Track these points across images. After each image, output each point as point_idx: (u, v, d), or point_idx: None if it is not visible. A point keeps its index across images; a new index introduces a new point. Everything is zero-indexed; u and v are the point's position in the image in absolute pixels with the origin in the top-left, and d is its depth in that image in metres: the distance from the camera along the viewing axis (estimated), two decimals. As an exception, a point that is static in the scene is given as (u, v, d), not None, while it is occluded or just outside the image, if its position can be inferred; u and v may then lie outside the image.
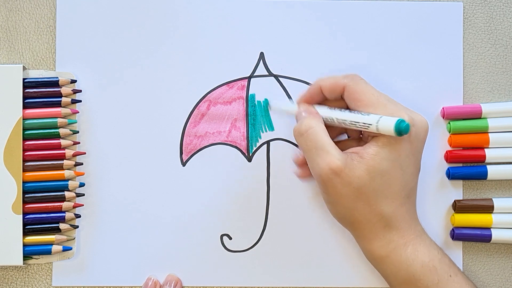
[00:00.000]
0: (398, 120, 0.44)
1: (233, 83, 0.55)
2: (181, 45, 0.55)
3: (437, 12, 0.55)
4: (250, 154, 0.55)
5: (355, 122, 0.47)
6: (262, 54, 0.55)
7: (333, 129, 0.51)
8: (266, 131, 0.55)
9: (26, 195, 0.53)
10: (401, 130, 0.44)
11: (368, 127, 0.46)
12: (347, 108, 0.49)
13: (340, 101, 0.50)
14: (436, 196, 0.54)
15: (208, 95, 0.55)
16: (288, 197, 0.54)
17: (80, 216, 0.54)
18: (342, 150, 0.48)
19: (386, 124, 0.45)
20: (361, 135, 0.51)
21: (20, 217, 0.52)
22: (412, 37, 0.55)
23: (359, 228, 0.48)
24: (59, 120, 0.53)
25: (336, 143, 0.50)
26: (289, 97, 0.55)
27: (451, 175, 0.54)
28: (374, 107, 0.47)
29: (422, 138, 0.48)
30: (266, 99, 0.54)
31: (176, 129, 0.55)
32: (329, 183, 0.47)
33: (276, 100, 0.54)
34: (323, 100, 0.51)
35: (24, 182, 0.53)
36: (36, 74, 0.54)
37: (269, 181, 0.55)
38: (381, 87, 0.53)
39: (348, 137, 0.53)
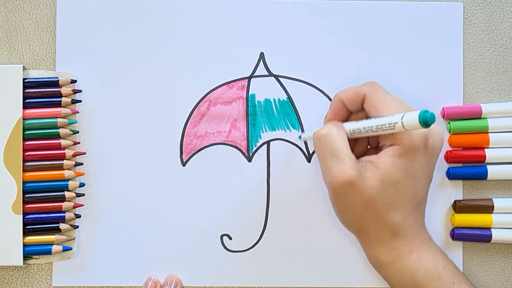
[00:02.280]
0: (422, 111, 0.43)
1: (233, 83, 0.55)
2: (181, 45, 0.55)
3: (437, 12, 0.55)
4: (250, 154, 0.55)
5: (381, 125, 0.46)
6: (262, 54, 0.55)
7: (361, 145, 0.51)
8: (266, 131, 0.55)
9: (26, 195, 0.53)
10: (427, 119, 0.43)
11: (394, 126, 0.45)
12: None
13: (362, 112, 0.50)
14: (436, 196, 0.54)
15: (208, 95, 0.55)
16: (288, 197, 0.54)
17: (80, 216, 0.54)
18: (358, 157, 0.48)
19: (411, 117, 0.44)
20: (379, 145, 0.51)
21: (20, 217, 0.52)
22: (412, 37, 0.55)
23: (366, 234, 0.48)
24: (59, 120, 0.53)
25: (358, 155, 0.50)
26: (289, 97, 0.55)
27: (451, 175, 0.54)
28: (395, 113, 0.46)
29: (437, 149, 0.48)
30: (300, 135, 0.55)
31: (176, 129, 0.55)
32: (340, 191, 0.46)
33: (305, 132, 0.54)
34: (348, 116, 0.51)
35: (24, 182, 0.53)
36: (36, 74, 0.54)
37: (269, 181, 0.55)
38: (381, 87, 0.53)
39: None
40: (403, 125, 0.44)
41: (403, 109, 0.46)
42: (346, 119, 0.51)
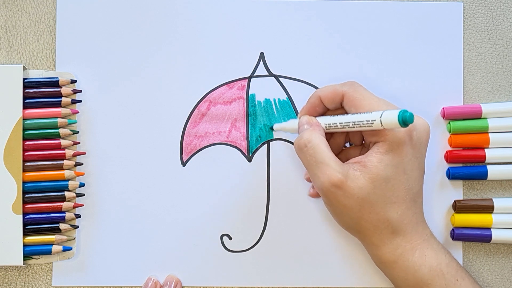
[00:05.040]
0: (401, 110, 0.43)
1: (233, 83, 0.55)
2: (181, 45, 0.55)
3: (437, 12, 0.55)
4: (250, 154, 0.55)
5: (358, 121, 0.46)
6: (262, 54, 0.55)
7: (337, 140, 0.51)
8: (266, 131, 0.55)
9: (26, 195, 0.53)
10: (406, 119, 0.43)
11: (372, 124, 0.45)
12: None
13: (340, 109, 0.50)
14: (436, 196, 0.54)
15: (208, 95, 0.55)
16: (288, 197, 0.54)
17: (80, 216, 0.54)
18: (345, 159, 0.48)
19: (390, 116, 0.44)
20: (363, 142, 0.51)
21: (20, 217, 0.52)
22: (412, 37, 0.55)
23: (367, 235, 0.48)
24: (59, 120, 0.53)
25: (339, 152, 0.50)
26: (289, 97, 0.55)
27: (451, 175, 0.54)
28: (374, 111, 0.47)
29: (424, 141, 0.48)
30: (270, 126, 0.55)
31: (176, 129, 0.55)
32: (331, 196, 0.47)
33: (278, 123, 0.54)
34: (324, 112, 0.51)
35: (24, 182, 0.53)
36: (36, 74, 0.54)
37: (269, 181, 0.55)
38: (381, 87, 0.53)
39: (351, 145, 0.52)
40: (381, 123, 0.44)
41: (382, 107, 0.47)
42: (322, 115, 0.51)
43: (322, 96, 0.50)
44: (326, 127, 0.49)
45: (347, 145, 0.53)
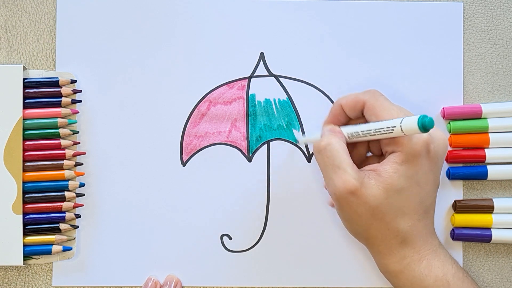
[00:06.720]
0: (421, 116, 0.43)
1: (233, 83, 0.55)
2: (181, 45, 0.55)
3: (437, 12, 0.55)
4: (250, 154, 0.55)
5: (379, 129, 0.46)
6: (262, 54, 0.55)
7: (359, 150, 0.51)
8: (266, 131, 0.55)
9: (26, 195, 0.53)
10: (426, 124, 0.43)
11: (392, 130, 0.45)
12: None
13: (361, 119, 0.50)
14: (436, 196, 0.54)
15: (208, 95, 0.55)
16: (288, 197, 0.54)
17: (80, 216, 0.54)
18: (361, 167, 0.48)
19: (410, 122, 0.44)
20: (382, 152, 0.51)
21: (20, 217, 0.52)
22: (412, 37, 0.55)
23: (375, 244, 0.48)
24: (59, 120, 0.53)
25: (358, 161, 0.50)
26: (289, 97, 0.55)
27: (451, 175, 0.54)
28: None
29: (441, 154, 0.48)
30: (294, 137, 0.55)
31: (176, 129, 0.55)
32: (344, 202, 0.46)
33: (304, 136, 0.54)
34: (346, 121, 0.51)
35: (24, 182, 0.53)
36: (36, 74, 0.54)
37: (269, 181, 0.55)
38: (381, 87, 0.53)
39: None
40: (401, 129, 0.44)
41: (403, 116, 0.46)
42: (345, 125, 0.51)
43: (343, 104, 0.50)
44: (348, 136, 0.49)
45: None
